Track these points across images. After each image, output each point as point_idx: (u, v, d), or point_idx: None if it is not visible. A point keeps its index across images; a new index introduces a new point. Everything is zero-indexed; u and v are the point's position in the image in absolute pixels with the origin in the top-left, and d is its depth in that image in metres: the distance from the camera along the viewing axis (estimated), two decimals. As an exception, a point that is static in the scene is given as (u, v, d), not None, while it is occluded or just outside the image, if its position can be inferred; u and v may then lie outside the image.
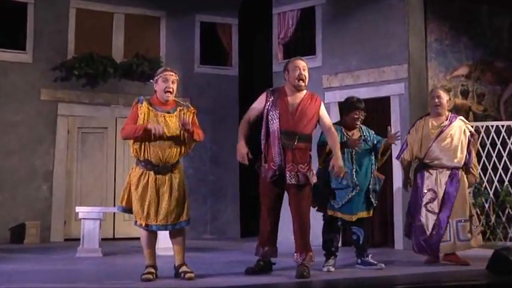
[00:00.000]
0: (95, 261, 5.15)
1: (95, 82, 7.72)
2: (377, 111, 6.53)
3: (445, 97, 4.79)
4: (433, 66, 6.98)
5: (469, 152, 4.71)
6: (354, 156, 4.36)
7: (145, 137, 3.73)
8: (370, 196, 4.41)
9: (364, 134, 4.50)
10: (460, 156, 4.63)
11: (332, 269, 4.27)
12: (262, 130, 4.06)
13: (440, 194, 4.58)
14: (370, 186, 4.41)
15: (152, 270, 3.78)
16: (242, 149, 3.96)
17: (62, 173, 7.52)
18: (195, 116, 3.98)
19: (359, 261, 4.46)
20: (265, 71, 7.59)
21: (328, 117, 4.16)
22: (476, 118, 7.05)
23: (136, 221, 3.79)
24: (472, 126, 6.70)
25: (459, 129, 4.69)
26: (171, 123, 3.81)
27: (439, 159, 4.62)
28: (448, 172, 4.62)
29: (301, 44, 7.33)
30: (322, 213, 4.47)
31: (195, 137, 3.87)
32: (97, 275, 4.30)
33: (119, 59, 7.89)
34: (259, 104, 4.11)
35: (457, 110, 6.96)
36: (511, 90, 7.26)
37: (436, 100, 4.72)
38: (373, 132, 4.58)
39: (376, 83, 6.54)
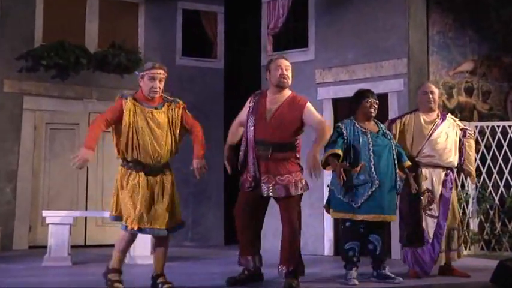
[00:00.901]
0: (64, 270, 5.11)
1: (66, 73, 7.64)
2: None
3: (437, 92, 4.88)
4: (435, 61, 7.03)
5: (460, 152, 4.77)
6: (372, 148, 4.29)
7: (133, 134, 3.75)
8: (395, 197, 4.36)
9: (383, 129, 4.49)
10: (454, 156, 4.72)
11: (357, 282, 4.20)
12: (243, 137, 4.16)
13: (437, 196, 4.63)
14: (398, 184, 4.34)
15: (119, 277, 3.80)
16: (226, 158, 4.10)
17: (28, 173, 7.44)
18: (185, 111, 3.99)
19: (375, 273, 4.38)
20: (253, 64, 7.59)
21: (317, 113, 4.16)
22: (482, 117, 7.12)
23: (126, 226, 3.74)
24: (476, 127, 6.76)
25: (452, 127, 4.77)
26: (160, 120, 3.83)
27: (432, 157, 4.66)
28: (443, 172, 4.68)
29: (292, 35, 7.34)
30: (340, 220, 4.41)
31: (205, 150, 3.96)
32: (65, 287, 4.26)
33: (93, 48, 7.82)
34: (245, 108, 4.22)
35: (460, 109, 7.03)
36: (519, 88, 7.34)
37: (430, 96, 4.77)
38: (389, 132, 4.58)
39: (373, 79, 6.57)
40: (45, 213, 5.73)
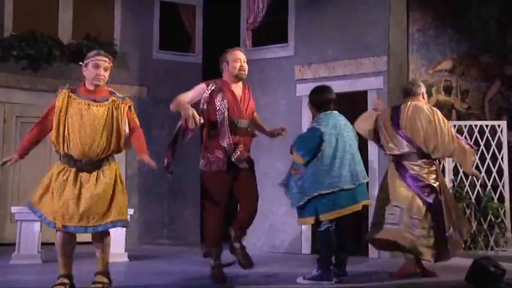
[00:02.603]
0: (33, 269, 5.03)
1: (38, 65, 7.51)
2: (353, 107, 6.60)
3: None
4: (414, 59, 7.10)
5: None
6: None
7: (64, 126, 3.65)
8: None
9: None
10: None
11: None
12: (206, 122, 4.19)
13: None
14: None
15: (66, 280, 3.66)
16: (191, 109, 3.99)
17: (-3, 168, 7.31)
18: (130, 110, 3.89)
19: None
20: (232, 59, 7.56)
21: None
22: (460, 116, 7.22)
23: (54, 223, 3.59)
24: (454, 126, 6.88)
25: None
26: (97, 114, 3.69)
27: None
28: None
29: (272, 30, 7.33)
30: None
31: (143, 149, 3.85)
32: (33, 285, 4.20)
33: (66, 40, 7.71)
34: (200, 92, 4.27)
35: (439, 108, 7.11)
36: (497, 88, 7.46)
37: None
38: None
39: (353, 76, 6.61)
40: (14, 209, 5.63)
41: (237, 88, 4.33)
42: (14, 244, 5.44)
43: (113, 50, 7.83)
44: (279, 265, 5.26)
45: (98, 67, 3.76)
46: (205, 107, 4.22)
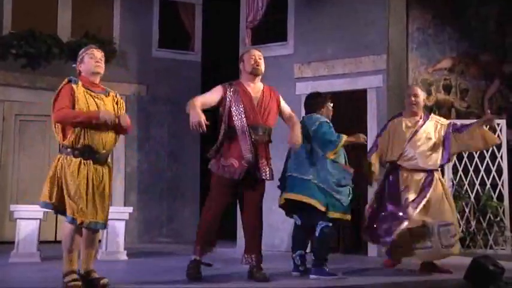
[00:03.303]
0: (32, 267, 5.02)
1: (37, 63, 7.51)
2: (352, 105, 6.61)
3: (421, 95, 4.90)
4: (414, 58, 7.11)
5: (447, 147, 4.75)
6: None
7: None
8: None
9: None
10: (436, 158, 4.73)
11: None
12: (222, 126, 4.15)
13: (416, 194, 4.67)
14: None
15: (76, 276, 3.68)
16: (199, 115, 3.92)
17: (-4, 166, 7.32)
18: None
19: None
20: (231, 57, 7.54)
21: (288, 107, 4.41)
22: (459, 115, 7.23)
23: (73, 218, 3.56)
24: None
25: (434, 128, 4.80)
26: (108, 107, 3.75)
27: (414, 160, 4.71)
28: (423, 174, 4.71)
29: (271, 28, 7.33)
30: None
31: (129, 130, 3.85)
32: (33, 283, 4.20)
33: (66, 38, 7.70)
34: (216, 95, 4.19)
35: (439, 106, 7.13)
36: (496, 87, 7.47)
37: (413, 99, 4.82)
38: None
39: (353, 74, 6.61)
40: (13, 207, 5.63)
41: (255, 90, 4.23)
42: (13, 242, 5.44)
43: (112, 48, 7.84)
44: (278, 264, 5.26)
45: (94, 56, 3.79)
46: (223, 110, 4.16)
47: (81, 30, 7.75)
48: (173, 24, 8.38)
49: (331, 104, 4.69)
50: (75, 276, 3.66)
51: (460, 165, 6.75)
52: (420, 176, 4.70)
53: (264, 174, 4.11)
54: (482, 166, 6.71)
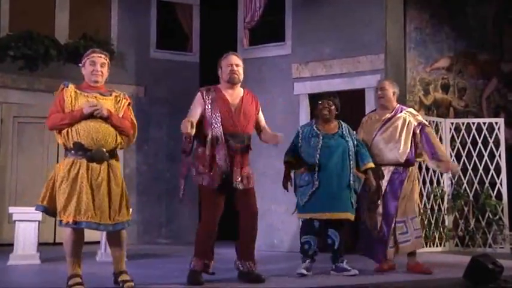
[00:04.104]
0: (31, 269, 5.03)
1: (35, 65, 7.49)
2: (350, 105, 6.61)
3: (390, 89, 4.80)
4: (412, 57, 7.12)
5: (415, 146, 4.70)
6: (320, 150, 4.51)
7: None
8: (351, 196, 4.50)
9: (343, 131, 4.64)
10: (403, 151, 4.64)
11: (305, 272, 4.46)
12: (200, 134, 4.08)
13: (383, 192, 4.65)
14: (351, 183, 4.50)
15: (79, 280, 3.63)
16: (186, 122, 3.89)
17: (-6, 168, 7.31)
18: (129, 107, 3.92)
19: (333, 266, 4.59)
20: (229, 58, 7.56)
21: (263, 118, 4.38)
22: (457, 114, 7.25)
23: (60, 221, 3.55)
24: (451, 124, 6.87)
25: (403, 120, 4.71)
26: (104, 105, 3.73)
27: (382, 154, 4.65)
28: (392, 168, 4.66)
29: (269, 29, 7.34)
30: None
31: (115, 123, 3.73)
32: (32, 285, 4.19)
33: (63, 39, 7.70)
34: (199, 105, 4.14)
35: (437, 106, 7.15)
36: (494, 85, 7.49)
37: (380, 92, 4.80)
38: (355, 133, 4.74)
39: (350, 74, 6.62)
40: (11, 209, 5.62)
41: (233, 96, 4.17)
42: (12, 244, 5.43)
43: (110, 50, 7.81)
44: (278, 264, 5.26)
45: (94, 64, 3.80)
46: (204, 119, 4.08)
47: (79, 32, 7.74)
48: (171, 25, 8.38)
49: (320, 102, 4.67)
50: (78, 280, 3.63)
51: (459, 164, 6.76)
52: (388, 173, 4.64)
53: (235, 183, 4.03)
54: (480, 165, 6.73)
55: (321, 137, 4.54)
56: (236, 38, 7.50)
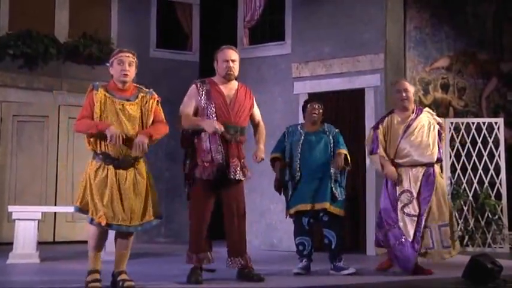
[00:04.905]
0: (31, 268, 5.02)
1: (34, 64, 7.48)
2: (350, 105, 6.61)
3: (411, 89, 4.82)
4: (411, 57, 7.11)
5: (439, 146, 4.74)
6: (302, 145, 4.65)
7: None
8: (332, 186, 4.57)
9: (325, 128, 4.80)
10: (432, 151, 4.66)
11: (301, 271, 4.51)
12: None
13: (415, 195, 4.62)
14: (332, 175, 4.60)
15: (98, 276, 3.72)
16: (211, 121, 3.99)
17: (-6, 167, 7.30)
18: (158, 105, 3.93)
19: (332, 266, 4.64)
20: (229, 57, 7.55)
21: (259, 113, 4.41)
22: (457, 114, 7.24)
23: (92, 219, 3.66)
24: (451, 123, 6.86)
25: (427, 121, 4.74)
26: (131, 112, 3.76)
27: (410, 156, 4.65)
28: (422, 170, 4.65)
29: (269, 28, 7.34)
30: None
31: (156, 137, 3.81)
32: (32, 284, 4.19)
33: (63, 38, 7.69)
34: (193, 96, 4.16)
35: (437, 105, 7.13)
36: (494, 85, 7.47)
37: (404, 94, 4.73)
38: (338, 131, 4.84)
39: (350, 74, 6.61)
40: (11, 208, 5.62)
41: (228, 88, 4.18)
42: (12, 243, 5.43)
43: (110, 49, 7.81)
44: (276, 264, 5.26)
45: (122, 63, 3.81)
46: (200, 110, 4.11)
47: (78, 31, 7.72)
48: (171, 24, 8.37)
49: (309, 105, 4.82)
50: (97, 276, 3.71)
51: (458, 164, 6.76)
52: (418, 171, 4.64)
53: (233, 173, 4.04)
54: (480, 165, 6.72)
55: (303, 134, 4.71)
56: (236, 37, 7.49)
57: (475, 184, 6.73)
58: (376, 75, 6.46)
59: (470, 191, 6.73)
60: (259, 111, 4.42)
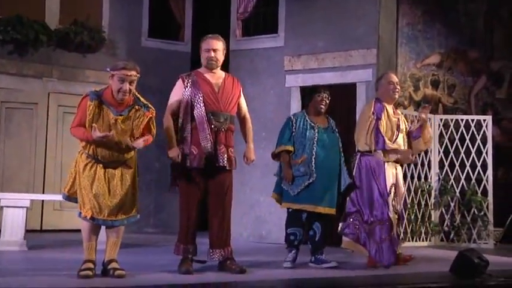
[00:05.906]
0: (18, 255, 4.99)
1: (24, 50, 7.38)
2: (341, 99, 6.61)
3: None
4: (403, 53, 7.13)
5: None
6: (317, 143, 4.53)
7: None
8: (339, 191, 4.55)
9: (332, 125, 4.70)
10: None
11: (291, 265, 4.48)
12: (182, 115, 4.10)
13: (401, 190, 4.74)
14: (342, 182, 4.55)
15: (91, 265, 3.73)
16: (175, 151, 4.05)
17: (-19, 153, 7.21)
18: (151, 121, 3.88)
19: (312, 258, 4.59)
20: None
21: (246, 105, 4.33)
22: (446, 111, 7.28)
23: (80, 212, 3.72)
24: (440, 120, 6.93)
25: (403, 117, 4.86)
26: (123, 127, 3.74)
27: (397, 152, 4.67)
28: (397, 164, 4.73)
29: (262, 20, 7.30)
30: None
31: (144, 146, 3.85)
32: (19, 271, 4.15)
33: (54, 25, 7.59)
34: (178, 92, 4.15)
35: (426, 101, 7.17)
36: (483, 83, 7.53)
37: (397, 87, 4.72)
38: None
39: (342, 68, 6.62)
40: (-1, 195, 5.56)
41: (215, 77, 4.15)
42: (-1, 230, 5.38)
43: (101, 37, 7.74)
44: (265, 255, 5.27)
45: (123, 81, 3.70)
46: (182, 101, 4.08)
47: (69, 18, 7.62)
48: (163, 14, 8.30)
49: (318, 94, 4.63)
50: (90, 265, 3.72)
51: (446, 160, 6.81)
52: (396, 168, 4.70)
53: (221, 161, 4.01)
54: (468, 161, 6.77)
55: (317, 130, 4.57)
56: (229, 29, 7.45)
57: (462, 180, 6.78)
58: (368, 70, 6.47)
59: (457, 187, 6.79)
60: (246, 104, 4.35)
